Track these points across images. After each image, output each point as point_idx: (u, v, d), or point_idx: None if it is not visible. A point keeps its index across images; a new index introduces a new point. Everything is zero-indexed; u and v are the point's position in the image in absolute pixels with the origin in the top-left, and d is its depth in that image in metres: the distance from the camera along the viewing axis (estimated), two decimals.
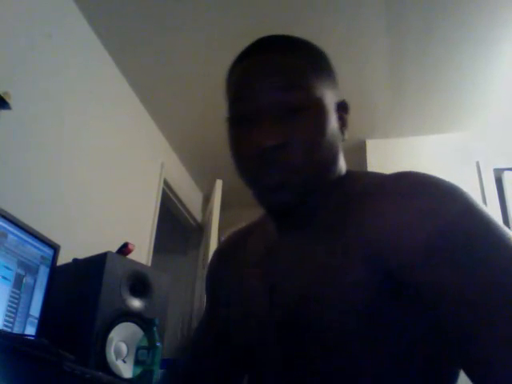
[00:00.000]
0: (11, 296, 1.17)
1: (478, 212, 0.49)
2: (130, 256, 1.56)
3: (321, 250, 0.58)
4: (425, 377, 0.54)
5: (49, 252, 1.34)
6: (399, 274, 0.50)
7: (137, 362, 1.24)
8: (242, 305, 0.67)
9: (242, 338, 0.67)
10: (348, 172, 0.67)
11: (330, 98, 0.63)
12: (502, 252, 0.45)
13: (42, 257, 1.31)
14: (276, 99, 0.59)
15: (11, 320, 1.16)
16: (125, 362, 1.33)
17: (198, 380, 0.75)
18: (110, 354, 1.29)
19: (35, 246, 1.29)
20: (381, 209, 0.53)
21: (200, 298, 3.02)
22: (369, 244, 0.52)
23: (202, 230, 3.56)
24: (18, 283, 1.19)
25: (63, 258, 1.44)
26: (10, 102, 1.53)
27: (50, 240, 1.36)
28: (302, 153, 0.58)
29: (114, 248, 1.55)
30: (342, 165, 0.67)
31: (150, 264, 2.60)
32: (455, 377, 0.56)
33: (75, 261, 1.54)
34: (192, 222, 3.58)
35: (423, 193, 0.52)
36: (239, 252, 0.75)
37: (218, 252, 0.83)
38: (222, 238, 0.89)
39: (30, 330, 1.23)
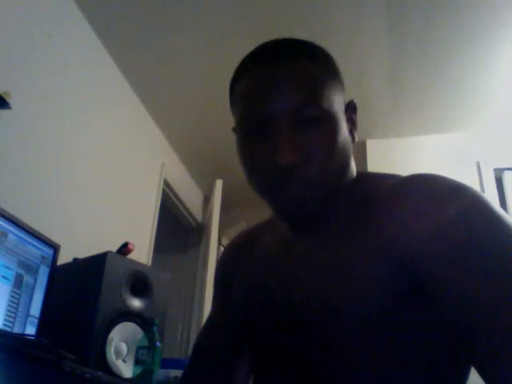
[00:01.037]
0: (11, 296, 1.17)
1: (503, 219, 0.49)
2: (130, 256, 1.56)
3: (339, 250, 0.58)
4: (433, 377, 0.54)
5: (49, 252, 1.34)
6: (422, 277, 0.50)
7: (137, 362, 1.24)
8: (256, 302, 0.67)
9: (255, 334, 0.67)
10: (359, 174, 0.68)
11: (340, 104, 0.63)
12: None
13: (42, 256, 1.31)
14: (294, 112, 0.58)
15: (11, 320, 1.16)
16: (125, 361, 1.33)
17: (209, 374, 0.75)
18: (110, 354, 1.29)
19: (35, 246, 1.29)
20: (398, 213, 0.54)
21: (200, 298, 3.02)
22: (390, 248, 0.53)
23: (201, 230, 3.56)
24: (18, 283, 1.19)
25: (63, 258, 1.44)
26: (10, 101, 1.53)
27: (50, 240, 1.36)
28: (321, 167, 0.58)
29: (114, 248, 1.55)
30: (353, 166, 0.67)
31: (150, 264, 2.60)
32: (465, 377, 0.56)
33: (75, 260, 1.54)
34: (192, 221, 3.58)
35: (448, 198, 0.52)
36: (251, 250, 0.75)
37: (229, 248, 0.82)
38: (230, 239, 0.89)
39: (30, 330, 1.23)
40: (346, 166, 0.63)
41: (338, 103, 0.62)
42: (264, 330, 0.65)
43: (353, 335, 0.53)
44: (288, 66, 0.60)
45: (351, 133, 0.66)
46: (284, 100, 0.58)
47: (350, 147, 0.64)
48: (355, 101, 0.70)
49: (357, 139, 0.66)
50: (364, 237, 0.56)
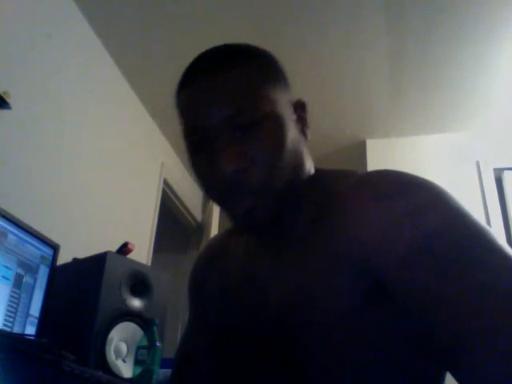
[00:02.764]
0: (11, 296, 1.17)
1: (462, 213, 0.48)
2: (130, 256, 1.56)
3: (303, 255, 0.57)
4: (410, 378, 0.53)
5: (49, 252, 1.34)
6: (384, 278, 0.49)
7: (137, 362, 1.24)
8: (228, 311, 0.67)
9: (230, 342, 0.67)
10: (317, 172, 0.66)
11: (284, 104, 0.61)
12: (488, 254, 0.45)
13: (41, 256, 1.31)
14: (228, 122, 0.57)
15: (11, 320, 1.16)
16: (125, 361, 1.33)
17: None
18: (110, 354, 1.29)
19: (35, 246, 1.29)
20: (363, 212, 0.52)
21: None
22: (352, 248, 0.52)
23: (201, 229, 3.56)
24: (17, 283, 1.19)
25: (63, 258, 1.44)
26: (10, 101, 1.53)
27: (49, 240, 1.36)
28: (265, 171, 0.57)
29: (114, 248, 1.55)
30: (310, 165, 0.66)
31: (149, 264, 2.60)
32: (442, 378, 0.56)
33: (75, 260, 1.54)
34: (192, 221, 3.58)
35: (406, 194, 0.51)
36: (223, 256, 0.74)
37: (200, 258, 0.81)
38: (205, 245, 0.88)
39: (30, 330, 1.23)
40: (297, 167, 0.61)
41: (282, 104, 0.61)
42: (240, 338, 0.64)
43: (328, 343, 0.52)
44: (220, 75, 0.58)
45: (303, 131, 0.64)
46: (218, 110, 0.57)
47: (302, 147, 0.63)
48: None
49: (309, 137, 0.65)
50: (324, 240, 0.55)
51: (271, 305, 0.58)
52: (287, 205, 0.61)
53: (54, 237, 1.40)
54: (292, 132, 0.60)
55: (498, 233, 0.51)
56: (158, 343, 1.25)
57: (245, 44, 0.65)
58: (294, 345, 0.55)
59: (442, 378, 0.56)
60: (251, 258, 0.66)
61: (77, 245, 1.76)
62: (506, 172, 2.65)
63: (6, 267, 1.16)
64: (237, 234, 0.74)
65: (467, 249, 0.45)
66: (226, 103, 0.57)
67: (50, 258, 1.35)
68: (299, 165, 0.62)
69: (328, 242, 0.54)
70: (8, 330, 1.14)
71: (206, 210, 3.56)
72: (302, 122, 0.65)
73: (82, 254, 1.51)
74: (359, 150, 2.97)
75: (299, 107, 0.66)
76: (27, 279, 1.23)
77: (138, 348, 1.25)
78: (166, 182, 3.01)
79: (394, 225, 0.49)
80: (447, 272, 0.44)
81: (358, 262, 0.51)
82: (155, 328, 1.26)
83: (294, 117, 0.63)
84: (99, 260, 1.37)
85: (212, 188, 0.60)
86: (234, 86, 0.58)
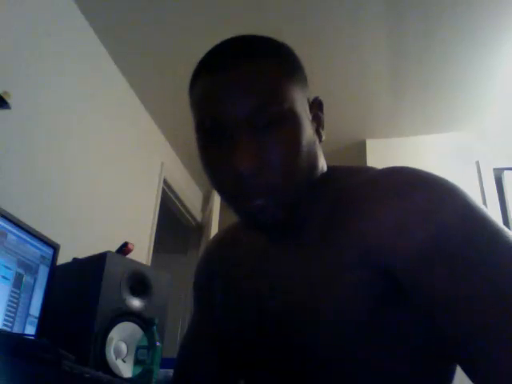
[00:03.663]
0: (11, 295, 1.17)
1: (476, 211, 0.48)
2: (130, 256, 1.56)
3: (314, 255, 0.56)
4: (422, 376, 0.53)
5: (48, 251, 1.34)
6: (397, 276, 0.49)
7: (136, 362, 1.24)
8: (234, 310, 0.66)
9: (234, 342, 0.66)
10: (330, 169, 0.65)
11: (302, 103, 0.60)
12: (501, 252, 0.45)
13: (41, 256, 1.31)
14: (249, 116, 0.54)
15: (11, 320, 1.16)
16: (124, 361, 1.33)
17: None
18: (110, 354, 1.29)
19: (35, 246, 1.29)
20: (375, 209, 0.51)
21: None
22: (364, 248, 0.51)
23: (201, 229, 3.56)
24: (17, 283, 1.19)
25: (63, 258, 1.45)
26: (10, 101, 1.53)
27: (49, 239, 1.36)
28: (281, 173, 0.55)
29: (114, 248, 1.55)
30: (322, 164, 0.64)
31: (149, 264, 2.60)
32: (452, 374, 0.56)
33: (75, 260, 1.54)
34: (192, 221, 3.58)
35: (419, 190, 0.50)
36: (229, 253, 0.73)
37: (206, 253, 0.80)
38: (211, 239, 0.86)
39: (30, 330, 1.23)
40: (311, 169, 0.60)
41: (300, 102, 0.58)
42: (244, 339, 0.63)
43: (339, 344, 0.52)
44: (241, 68, 0.56)
45: (317, 132, 0.63)
46: (238, 104, 0.54)
47: (316, 148, 0.61)
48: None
49: (324, 137, 0.63)
50: (337, 241, 0.54)
51: (279, 305, 0.58)
52: (300, 205, 0.60)
53: (53, 237, 1.40)
54: (308, 133, 0.58)
55: None
56: (157, 343, 1.25)
57: (267, 36, 0.62)
58: (301, 345, 0.55)
59: (451, 377, 0.56)
60: (261, 256, 0.65)
61: (77, 245, 1.76)
62: (506, 172, 2.65)
63: (6, 267, 1.16)
64: (244, 231, 0.72)
65: (481, 247, 0.45)
66: (249, 96, 0.55)
67: (50, 258, 1.35)
68: (313, 167, 0.61)
69: (340, 242, 0.54)
70: (8, 329, 1.14)
71: (205, 210, 3.56)
72: (317, 121, 0.63)
73: (82, 253, 1.52)
74: (359, 150, 2.97)
75: (315, 106, 0.64)
76: (27, 279, 1.23)
77: (138, 348, 1.25)
78: (166, 182, 3.01)
79: (406, 224, 0.48)
80: (461, 270, 0.44)
81: (370, 261, 0.50)
82: (155, 328, 1.26)
83: (310, 116, 0.62)
84: (99, 260, 1.37)
85: (222, 184, 0.58)
86: (259, 79, 0.56)
